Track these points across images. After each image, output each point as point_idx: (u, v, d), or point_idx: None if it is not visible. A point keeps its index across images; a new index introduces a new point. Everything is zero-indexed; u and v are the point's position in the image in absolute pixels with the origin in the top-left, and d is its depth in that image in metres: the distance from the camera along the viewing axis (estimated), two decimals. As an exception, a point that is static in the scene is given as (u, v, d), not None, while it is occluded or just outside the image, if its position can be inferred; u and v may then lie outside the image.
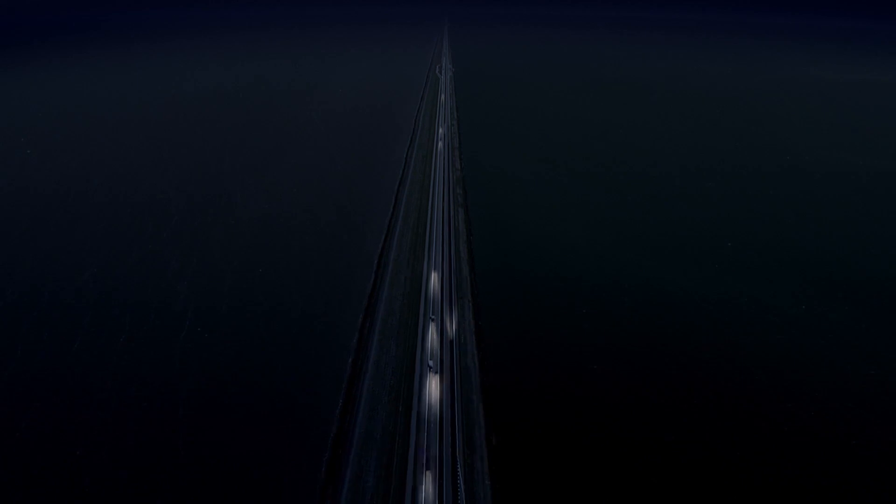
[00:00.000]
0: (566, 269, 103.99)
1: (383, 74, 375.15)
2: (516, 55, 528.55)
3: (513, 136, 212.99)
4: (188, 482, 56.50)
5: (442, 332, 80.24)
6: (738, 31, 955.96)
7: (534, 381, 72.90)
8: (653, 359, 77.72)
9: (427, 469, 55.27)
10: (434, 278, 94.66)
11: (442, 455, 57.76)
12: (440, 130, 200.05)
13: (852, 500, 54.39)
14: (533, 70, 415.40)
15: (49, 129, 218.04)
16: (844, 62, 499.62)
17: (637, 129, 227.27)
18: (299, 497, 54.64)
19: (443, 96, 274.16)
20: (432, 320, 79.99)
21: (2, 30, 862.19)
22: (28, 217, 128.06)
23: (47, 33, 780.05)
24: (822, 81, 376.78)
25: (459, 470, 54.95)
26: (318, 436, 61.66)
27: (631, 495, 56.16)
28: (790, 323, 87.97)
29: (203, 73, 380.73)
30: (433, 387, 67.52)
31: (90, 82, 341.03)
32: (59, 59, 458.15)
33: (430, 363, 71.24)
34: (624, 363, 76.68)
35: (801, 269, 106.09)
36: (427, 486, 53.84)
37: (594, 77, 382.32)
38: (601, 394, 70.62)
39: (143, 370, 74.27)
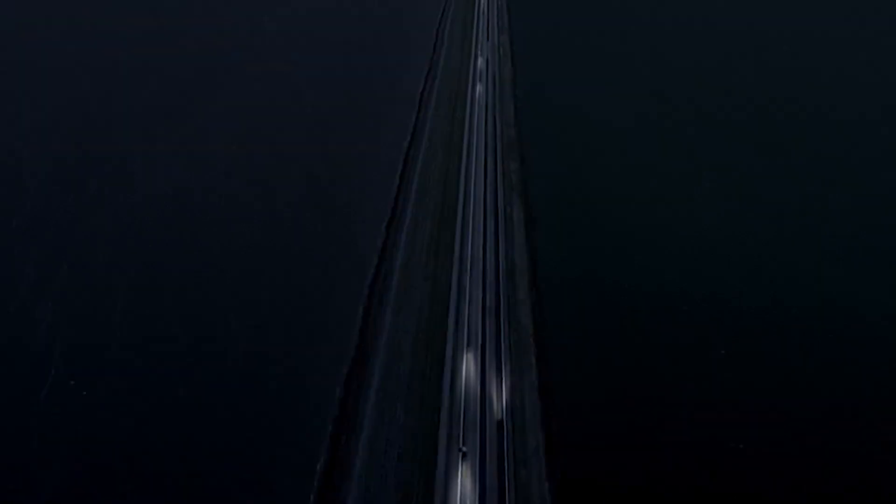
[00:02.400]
0: (695, 283, 72.25)
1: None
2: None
3: (602, 55, 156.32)
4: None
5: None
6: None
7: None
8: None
9: None
10: (471, 363, 56.19)
11: None
12: (478, 60, 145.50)
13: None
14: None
15: None
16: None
17: (816, 43, 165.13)
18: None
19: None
20: (461, 452, 50.37)
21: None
22: None
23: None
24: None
25: None
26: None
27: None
28: None
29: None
30: None
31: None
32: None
33: None
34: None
35: None
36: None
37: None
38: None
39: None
